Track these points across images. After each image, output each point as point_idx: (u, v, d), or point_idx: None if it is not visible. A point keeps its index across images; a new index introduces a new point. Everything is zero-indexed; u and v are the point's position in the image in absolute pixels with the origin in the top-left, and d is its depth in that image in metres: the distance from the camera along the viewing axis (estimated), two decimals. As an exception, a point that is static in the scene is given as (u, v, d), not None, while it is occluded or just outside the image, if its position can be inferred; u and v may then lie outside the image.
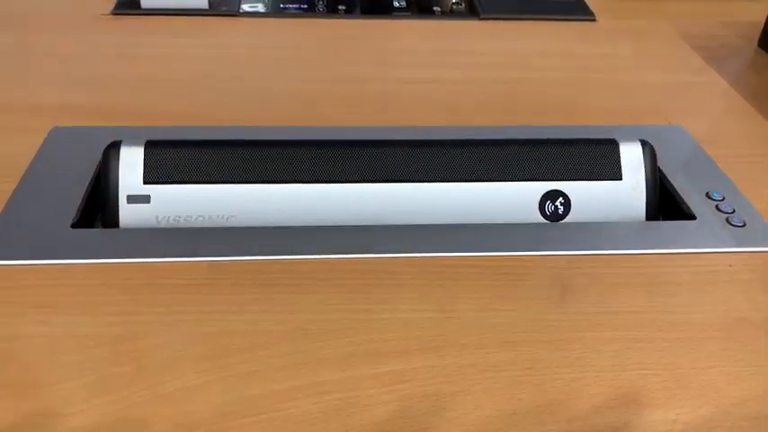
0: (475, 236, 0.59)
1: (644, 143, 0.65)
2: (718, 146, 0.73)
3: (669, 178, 0.67)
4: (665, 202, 0.66)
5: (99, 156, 0.63)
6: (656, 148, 0.65)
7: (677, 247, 0.59)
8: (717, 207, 0.64)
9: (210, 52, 0.89)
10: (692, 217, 0.63)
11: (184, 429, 0.43)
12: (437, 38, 0.97)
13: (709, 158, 0.71)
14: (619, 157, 0.64)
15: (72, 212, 0.58)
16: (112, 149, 0.60)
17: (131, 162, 0.59)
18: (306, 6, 1.01)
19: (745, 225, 0.62)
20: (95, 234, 0.58)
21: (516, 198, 0.63)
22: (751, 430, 0.45)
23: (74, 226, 0.58)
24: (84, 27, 0.93)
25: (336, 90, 0.82)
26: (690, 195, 0.65)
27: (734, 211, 0.63)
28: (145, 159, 0.59)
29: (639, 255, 0.58)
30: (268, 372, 0.46)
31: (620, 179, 0.64)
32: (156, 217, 0.59)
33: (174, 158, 0.60)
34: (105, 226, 0.59)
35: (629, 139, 0.65)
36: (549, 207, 0.63)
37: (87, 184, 0.62)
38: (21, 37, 0.90)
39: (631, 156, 0.64)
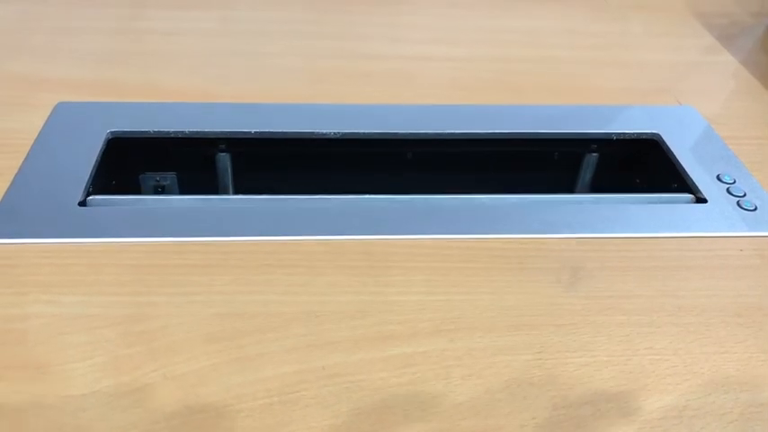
0: (486, 218, 0.59)
1: None
2: (728, 127, 0.73)
3: (680, 160, 0.67)
4: (676, 185, 0.66)
5: (106, 132, 0.62)
6: (666, 129, 0.64)
7: (688, 230, 0.59)
8: (728, 190, 0.63)
9: (216, 26, 0.88)
10: (702, 200, 0.62)
11: (195, 411, 0.43)
12: (447, 15, 0.95)
13: (719, 140, 0.70)
14: None
15: (80, 190, 0.58)
16: None
17: None
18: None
19: (756, 209, 0.61)
20: (104, 212, 0.57)
21: None
22: (761, 417, 0.45)
23: (81, 204, 0.57)
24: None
25: (345, 67, 0.81)
26: (701, 178, 0.65)
27: (745, 195, 0.63)
28: None
29: (650, 238, 0.58)
30: (279, 354, 0.46)
31: None
32: None
33: None
34: None
35: None
36: None
37: (95, 161, 0.61)
38: (24, 8, 0.88)
39: None
